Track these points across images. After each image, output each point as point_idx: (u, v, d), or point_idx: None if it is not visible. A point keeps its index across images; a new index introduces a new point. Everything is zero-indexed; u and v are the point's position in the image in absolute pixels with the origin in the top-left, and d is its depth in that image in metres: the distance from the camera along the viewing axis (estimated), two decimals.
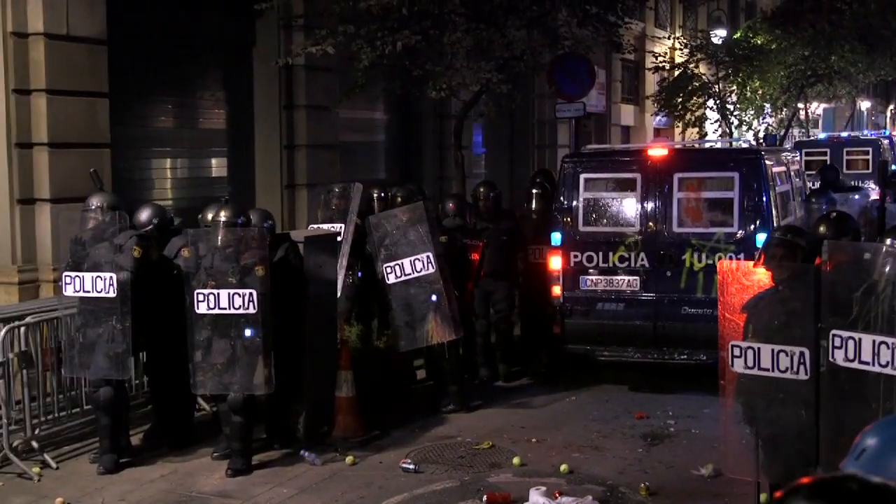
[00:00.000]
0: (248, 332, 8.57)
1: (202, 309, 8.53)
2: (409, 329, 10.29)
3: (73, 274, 8.76)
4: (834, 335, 5.65)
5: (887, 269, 5.70)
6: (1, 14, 11.09)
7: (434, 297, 10.14)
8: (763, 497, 6.89)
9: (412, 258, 10.10)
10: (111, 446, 8.86)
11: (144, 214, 9.52)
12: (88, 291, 8.70)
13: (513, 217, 12.36)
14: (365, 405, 9.79)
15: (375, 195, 12.18)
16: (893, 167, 23.29)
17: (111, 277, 8.61)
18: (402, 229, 10.30)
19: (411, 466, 8.73)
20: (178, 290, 8.83)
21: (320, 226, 10.94)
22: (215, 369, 8.64)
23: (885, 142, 25.55)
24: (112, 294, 8.62)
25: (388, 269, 10.17)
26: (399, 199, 11.25)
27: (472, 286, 11.57)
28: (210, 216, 9.32)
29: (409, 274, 10.13)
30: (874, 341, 5.53)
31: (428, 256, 10.07)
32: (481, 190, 12.17)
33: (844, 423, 5.76)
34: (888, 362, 5.51)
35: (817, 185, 15.89)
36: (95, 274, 8.66)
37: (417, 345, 10.33)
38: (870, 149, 24.98)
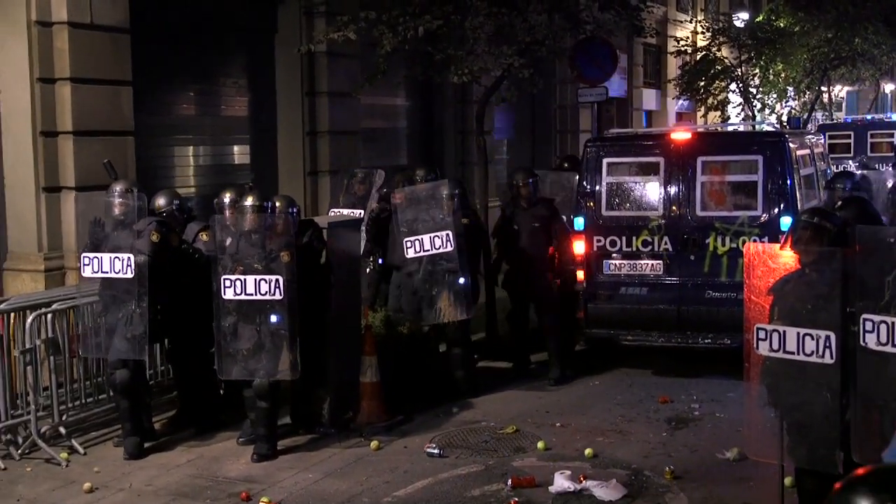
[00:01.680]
0: (274, 319, 8.60)
1: (229, 295, 8.57)
2: (422, 306, 10.33)
3: (91, 255, 8.80)
4: (865, 319, 5.63)
5: None
6: (25, 3, 11.11)
7: (449, 276, 10.17)
8: (788, 481, 6.87)
9: (432, 234, 10.12)
10: (133, 429, 8.93)
11: (161, 200, 9.61)
12: (106, 272, 8.75)
13: (550, 204, 12.23)
14: (389, 390, 9.82)
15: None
16: None
17: (129, 258, 8.65)
18: (428, 205, 10.30)
19: (436, 451, 8.76)
20: (198, 276, 8.87)
21: (341, 210, 10.93)
22: (241, 355, 8.68)
23: None
24: (129, 275, 8.66)
25: (409, 244, 10.20)
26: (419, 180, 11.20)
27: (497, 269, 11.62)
28: (227, 199, 9.34)
29: (429, 250, 10.16)
30: None
31: (448, 234, 10.08)
32: (519, 176, 12.04)
33: (874, 406, 5.75)
34: None
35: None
36: (113, 255, 8.70)
37: (429, 322, 10.35)
38: (894, 132, 24.86)
